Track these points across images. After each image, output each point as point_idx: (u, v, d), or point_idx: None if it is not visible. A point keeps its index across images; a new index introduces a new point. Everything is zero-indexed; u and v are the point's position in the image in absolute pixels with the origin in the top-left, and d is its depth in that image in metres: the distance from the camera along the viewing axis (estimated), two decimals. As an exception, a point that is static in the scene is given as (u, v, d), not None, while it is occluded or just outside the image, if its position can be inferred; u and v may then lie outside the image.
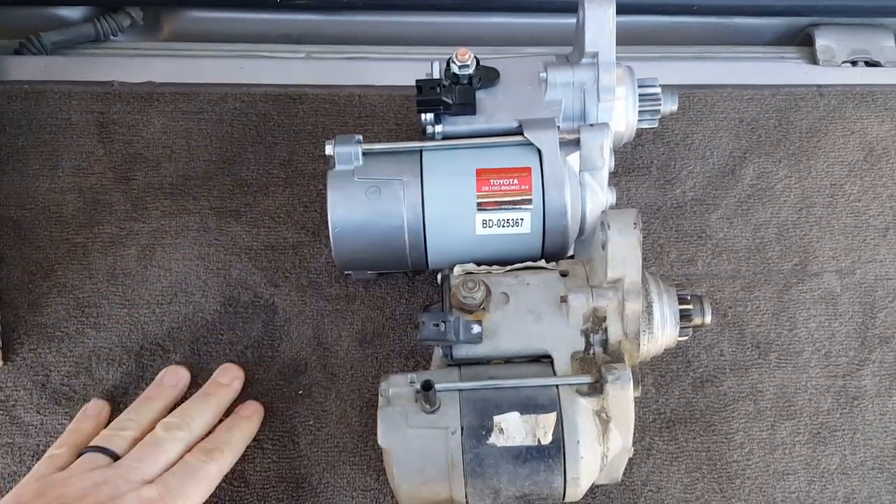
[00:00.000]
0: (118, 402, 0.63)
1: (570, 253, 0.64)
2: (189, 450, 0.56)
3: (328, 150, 0.60)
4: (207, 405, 0.60)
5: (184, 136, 0.72)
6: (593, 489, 0.61)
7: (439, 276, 0.59)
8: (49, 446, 0.60)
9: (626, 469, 0.57)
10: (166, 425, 0.57)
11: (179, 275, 0.67)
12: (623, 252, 0.54)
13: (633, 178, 0.73)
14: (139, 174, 0.71)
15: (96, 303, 0.66)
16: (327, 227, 0.60)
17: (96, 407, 0.61)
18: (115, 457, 0.55)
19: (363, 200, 0.59)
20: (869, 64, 0.84)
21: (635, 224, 0.54)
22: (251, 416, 0.61)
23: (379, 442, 0.52)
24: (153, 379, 0.63)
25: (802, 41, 0.88)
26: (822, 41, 0.85)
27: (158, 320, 0.66)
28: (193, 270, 0.67)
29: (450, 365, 0.57)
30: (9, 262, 0.67)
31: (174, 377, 0.63)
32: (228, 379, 0.62)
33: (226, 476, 0.61)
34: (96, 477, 0.53)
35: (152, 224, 0.69)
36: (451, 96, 0.60)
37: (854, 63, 0.84)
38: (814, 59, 0.84)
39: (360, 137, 0.60)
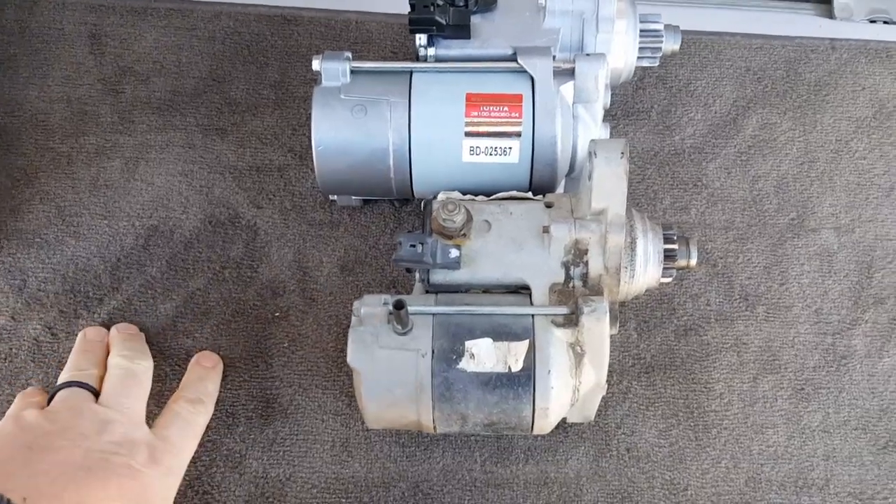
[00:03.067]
0: (92, 312, 0.62)
1: (560, 191, 0.63)
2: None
3: (315, 65, 0.58)
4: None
5: (175, 52, 0.71)
6: (566, 428, 0.60)
7: (422, 203, 0.58)
8: (19, 352, 0.60)
9: (600, 410, 0.56)
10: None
11: (161, 190, 0.66)
12: (609, 182, 0.53)
13: (631, 122, 0.71)
14: (128, 87, 0.70)
15: (77, 212, 0.65)
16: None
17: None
18: (96, 392, 0.54)
19: (348, 119, 0.58)
20: (888, 23, 0.81)
21: (622, 153, 0.53)
22: (215, 366, 0.60)
23: (348, 361, 0.52)
24: (128, 291, 0.63)
25: (821, -1, 0.85)
26: (841, -1, 0.82)
27: (137, 233, 0.65)
28: (176, 186, 0.66)
29: (427, 292, 0.56)
30: (-8, 168, 0.67)
31: (98, 333, 0.60)
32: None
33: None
34: (104, 416, 0.52)
35: (138, 138, 0.68)
36: (445, 17, 0.59)
37: (872, 22, 0.81)
38: (831, 17, 0.81)
39: (349, 55, 0.59)
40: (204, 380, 0.59)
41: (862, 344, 0.65)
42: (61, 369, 0.58)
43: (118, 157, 0.67)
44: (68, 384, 0.54)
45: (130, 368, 0.56)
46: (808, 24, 0.78)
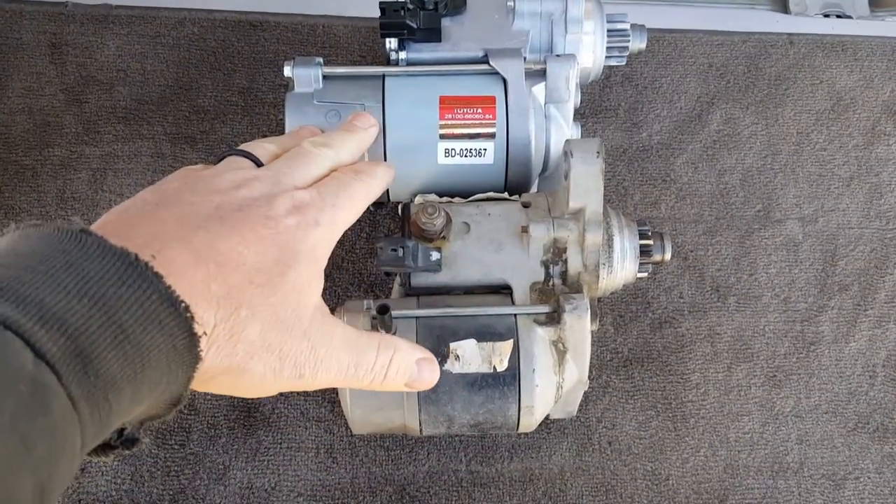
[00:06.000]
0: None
1: (534, 190, 0.64)
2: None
3: (287, 71, 0.58)
4: (352, 138, 0.52)
5: (139, 60, 0.70)
6: (549, 423, 0.61)
7: (400, 206, 0.58)
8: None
9: (581, 405, 0.57)
10: (314, 142, 0.49)
11: (132, 200, 0.65)
12: (585, 181, 0.53)
13: (600, 120, 0.72)
14: (92, 97, 0.68)
15: (44, 226, 0.64)
16: (286, 155, 0.58)
17: None
18: (260, 164, 0.47)
19: (322, 124, 0.57)
20: (841, 17, 0.84)
21: (598, 153, 0.53)
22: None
23: (332, 368, 0.51)
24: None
25: (776, -5, 0.87)
26: (796, -6, 0.84)
27: (109, 246, 0.64)
28: (147, 197, 0.65)
29: (408, 295, 0.56)
30: (-47, 183, 0.65)
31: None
32: (366, 124, 0.54)
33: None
34: (246, 174, 0.45)
35: (104, 148, 0.67)
36: (415, 20, 0.59)
37: (826, 16, 0.84)
38: (786, 11, 0.83)
39: (321, 60, 0.58)
40: (375, 164, 0.51)
41: (829, 330, 0.67)
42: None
43: (84, 169, 0.66)
44: (229, 153, 0.47)
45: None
46: (766, 20, 0.80)
